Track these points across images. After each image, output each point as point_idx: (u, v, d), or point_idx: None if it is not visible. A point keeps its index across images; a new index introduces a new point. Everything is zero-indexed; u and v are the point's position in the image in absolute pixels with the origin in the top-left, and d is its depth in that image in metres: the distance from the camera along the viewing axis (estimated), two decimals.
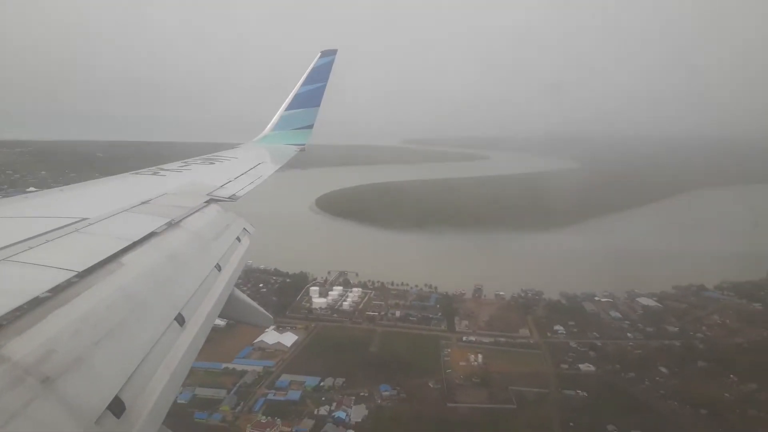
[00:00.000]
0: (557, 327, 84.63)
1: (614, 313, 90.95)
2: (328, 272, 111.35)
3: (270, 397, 64.25)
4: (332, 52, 16.40)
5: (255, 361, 72.62)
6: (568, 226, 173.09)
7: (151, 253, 4.72)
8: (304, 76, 16.24)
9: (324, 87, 16.10)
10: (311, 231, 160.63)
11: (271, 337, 78.83)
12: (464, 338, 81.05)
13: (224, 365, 71.13)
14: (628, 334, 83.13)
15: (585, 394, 65.34)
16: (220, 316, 4.91)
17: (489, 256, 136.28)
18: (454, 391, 66.18)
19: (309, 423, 59.19)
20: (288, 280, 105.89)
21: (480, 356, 73.79)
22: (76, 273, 3.64)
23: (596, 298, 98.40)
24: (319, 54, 16.36)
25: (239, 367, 70.79)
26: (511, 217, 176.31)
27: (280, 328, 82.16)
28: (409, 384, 67.65)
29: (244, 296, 6.81)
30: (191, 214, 6.37)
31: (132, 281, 3.99)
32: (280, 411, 61.27)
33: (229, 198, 7.97)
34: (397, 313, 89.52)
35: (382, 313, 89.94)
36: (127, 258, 4.30)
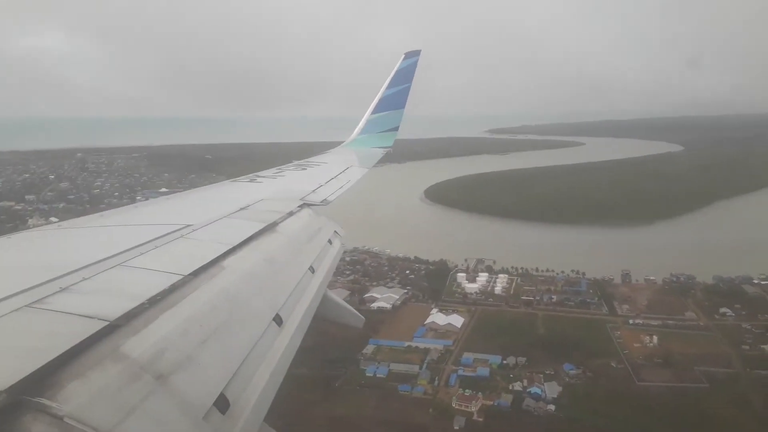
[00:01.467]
0: (723, 309, 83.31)
1: None
2: (465, 259, 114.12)
3: (461, 372, 67.96)
4: (416, 53, 16.50)
5: (434, 340, 76.63)
6: (691, 211, 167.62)
7: (250, 256, 4.99)
8: (389, 78, 16.35)
9: (408, 88, 16.18)
10: (431, 221, 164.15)
11: (440, 318, 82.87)
12: (631, 321, 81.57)
13: (406, 343, 75.95)
14: None
15: None
16: (315, 315, 5.11)
17: (620, 241, 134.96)
18: (639, 371, 67.28)
19: (508, 397, 62.39)
20: (431, 267, 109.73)
21: (655, 338, 74.24)
22: (182, 276, 3.88)
23: (755, 281, 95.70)
24: (403, 56, 16.48)
25: (421, 346, 75.13)
26: (628, 203, 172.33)
27: (445, 311, 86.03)
28: (591, 364, 69.34)
29: (336, 297, 6.99)
30: (286, 218, 6.71)
31: (233, 284, 4.24)
32: (473, 386, 64.71)
33: (321, 202, 8.29)
34: (554, 298, 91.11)
35: (537, 297, 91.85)
36: (228, 261, 4.56)
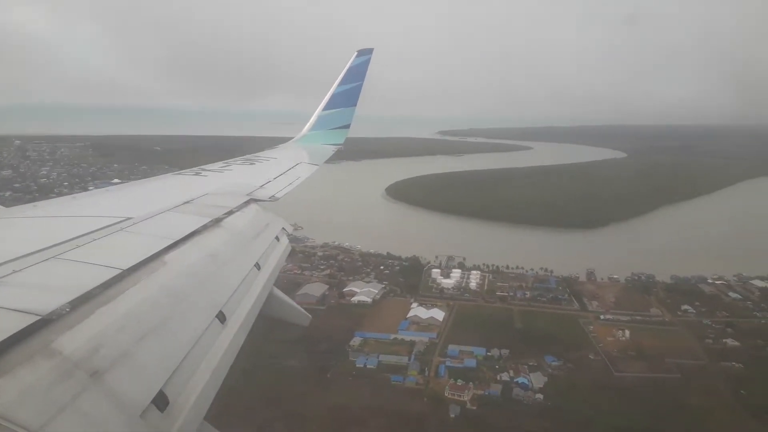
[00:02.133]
0: (685, 307, 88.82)
1: (734, 294, 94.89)
2: (436, 256, 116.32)
3: (449, 364, 69.64)
4: (368, 51, 16.41)
5: (418, 333, 78.08)
6: (641, 214, 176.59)
7: (193, 251, 4.90)
8: (341, 76, 16.27)
9: (360, 86, 16.15)
10: (396, 218, 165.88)
11: (421, 312, 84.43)
12: (602, 317, 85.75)
13: (392, 336, 77.10)
14: (755, 313, 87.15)
15: (741, 365, 69.81)
16: (260, 314, 5.03)
17: (578, 242, 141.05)
18: (616, 363, 71.01)
19: (497, 387, 64.57)
20: (405, 263, 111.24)
21: (627, 332, 78.41)
22: (121, 271, 3.77)
23: (709, 281, 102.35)
24: (356, 53, 16.40)
25: (407, 338, 76.43)
26: (581, 206, 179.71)
27: (425, 305, 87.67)
28: (570, 356, 72.68)
29: (283, 295, 6.90)
30: (232, 213, 6.60)
31: (174, 279, 4.16)
32: (462, 376, 66.51)
33: (268, 198, 8.21)
34: (527, 294, 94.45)
35: (511, 293, 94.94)
36: (169, 256, 4.46)
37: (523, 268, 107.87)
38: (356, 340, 75.38)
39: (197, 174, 9.58)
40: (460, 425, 57.55)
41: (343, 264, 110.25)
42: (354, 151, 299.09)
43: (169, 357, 3.25)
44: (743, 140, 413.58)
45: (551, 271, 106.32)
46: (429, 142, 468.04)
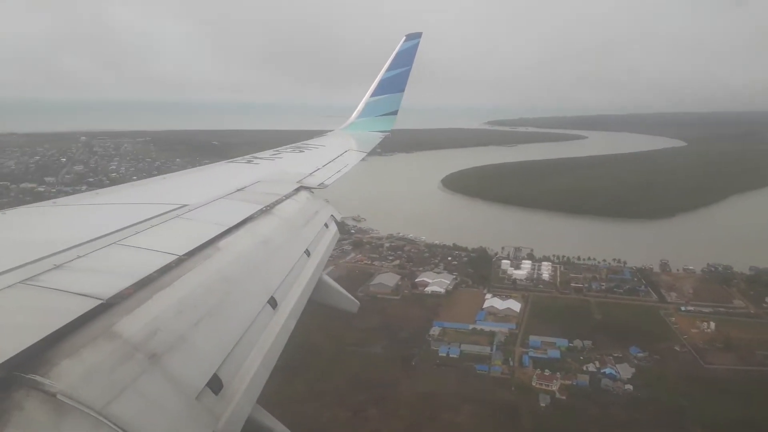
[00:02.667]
0: None
1: None
2: (502, 248, 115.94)
3: (532, 354, 69.97)
4: (417, 36, 16.06)
5: (497, 324, 78.57)
6: (708, 204, 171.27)
7: (246, 238, 5.00)
8: (389, 61, 15.99)
9: (408, 71, 15.83)
10: (455, 209, 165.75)
11: (497, 303, 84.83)
12: (683, 308, 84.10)
13: (471, 326, 77.90)
14: None
15: None
16: (310, 300, 5.12)
17: (647, 232, 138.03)
18: (704, 355, 69.80)
19: (584, 377, 64.58)
20: (472, 254, 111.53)
21: (712, 324, 76.78)
22: (178, 256, 3.89)
23: None
24: (404, 38, 16.08)
25: (486, 328, 77.08)
26: (646, 196, 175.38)
27: (500, 296, 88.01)
28: (655, 348, 71.83)
29: (332, 281, 6.95)
30: (282, 201, 6.72)
31: (228, 265, 4.25)
32: (547, 367, 66.69)
33: (318, 186, 8.28)
34: (603, 286, 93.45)
35: (585, 285, 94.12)
36: (223, 243, 4.56)
37: (594, 259, 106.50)
38: (435, 330, 76.45)
39: (249, 162, 9.81)
40: (551, 414, 57.93)
41: (411, 255, 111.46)
42: (405, 142, 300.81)
43: (223, 341, 3.35)
44: None
45: (624, 262, 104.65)
46: (479, 133, 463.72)
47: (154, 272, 3.54)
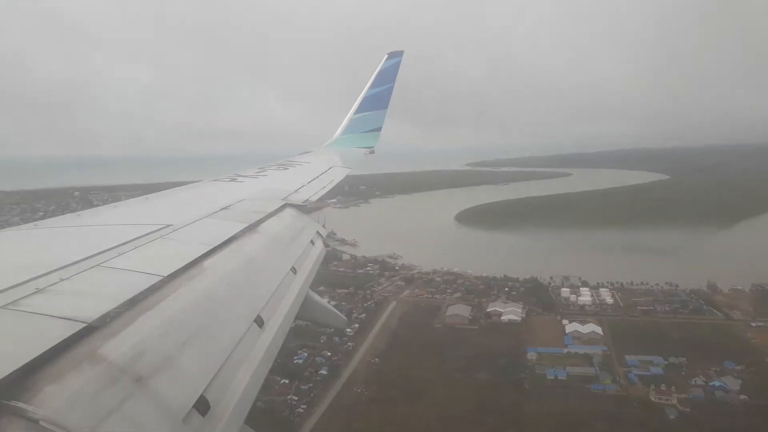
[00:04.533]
0: None
1: None
2: (551, 277, 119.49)
3: (636, 372, 72.56)
4: (399, 54, 16.54)
5: (589, 346, 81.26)
6: (723, 228, 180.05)
7: (231, 257, 5.04)
8: (372, 78, 16.45)
9: (392, 89, 16.22)
10: (482, 243, 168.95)
11: (578, 327, 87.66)
12: (752, 324, 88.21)
13: (565, 350, 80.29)
14: None
15: None
16: (297, 317, 5.14)
17: (674, 255, 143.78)
18: None
19: (697, 391, 67.37)
20: (527, 284, 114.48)
21: None
22: (162, 277, 3.87)
23: None
24: (386, 56, 16.59)
25: (580, 351, 79.59)
26: (655, 224, 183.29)
27: (579, 321, 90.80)
28: (745, 361, 75.16)
29: (319, 298, 6.95)
30: (268, 218, 6.71)
31: (213, 285, 4.31)
32: (655, 382, 69.25)
33: (303, 203, 8.30)
34: (668, 307, 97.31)
35: (650, 307, 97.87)
36: (208, 262, 4.59)
37: (647, 283, 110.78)
38: (532, 355, 78.54)
39: (233, 180, 9.82)
40: (685, 426, 60.30)
41: (467, 287, 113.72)
42: (399, 185, 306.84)
43: (209, 362, 3.33)
44: None
45: (676, 285, 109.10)
46: (464, 174, 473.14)
47: (139, 294, 3.52)
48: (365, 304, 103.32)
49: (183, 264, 4.24)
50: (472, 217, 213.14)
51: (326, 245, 7.26)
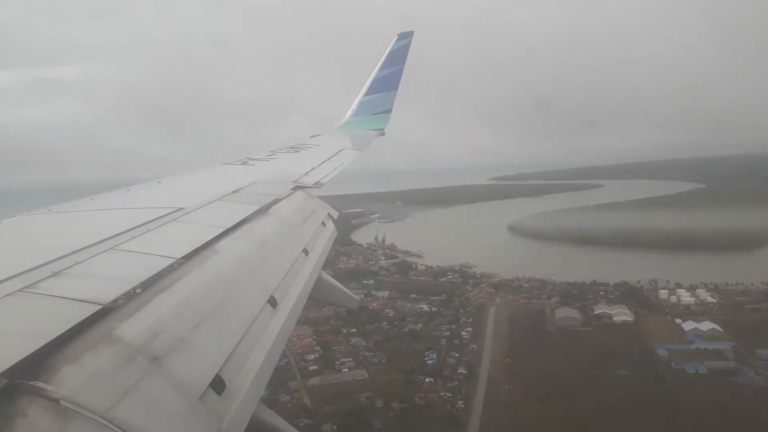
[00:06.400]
0: None
1: None
2: (638, 281, 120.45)
3: None
4: (409, 35, 16.42)
5: (715, 342, 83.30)
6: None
7: (243, 239, 5.11)
8: (382, 60, 16.34)
9: (401, 70, 16.13)
10: (552, 252, 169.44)
11: (698, 325, 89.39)
12: None
13: (693, 346, 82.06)
14: None
15: None
16: (310, 297, 5.23)
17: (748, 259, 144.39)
18: None
19: None
20: (622, 288, 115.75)
21: None
22: (176, 260, 3.94)
23: None
24: (396, 37, 16.41)
25: (709, 347, 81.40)
26: (716, 230, 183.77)
27: (695, 320, 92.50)
28: None
29: (331, 279, 7.05)
30: (279, 201, 6.81)
31: (227, 266, 4.36)
32: None
33: (313, 185, 8.41)
34: None
35: (757, 306, 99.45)
36: (221, 244, 4.64)
37: (742, 283, 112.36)
38: (662, 351, 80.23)
39: (244, 163, 9.90)
40: None
41: (560, 292, 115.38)
42: (433, 199, 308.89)
43: (224, 342, 3.38)
44: None
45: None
46: (491, 188, 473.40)
47: (153, 276, 3.59)
48: (467, 309, 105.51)
49: (196, 246, 4.33)
50: (526, 228, 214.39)
51: (334, 227, 7.35)
